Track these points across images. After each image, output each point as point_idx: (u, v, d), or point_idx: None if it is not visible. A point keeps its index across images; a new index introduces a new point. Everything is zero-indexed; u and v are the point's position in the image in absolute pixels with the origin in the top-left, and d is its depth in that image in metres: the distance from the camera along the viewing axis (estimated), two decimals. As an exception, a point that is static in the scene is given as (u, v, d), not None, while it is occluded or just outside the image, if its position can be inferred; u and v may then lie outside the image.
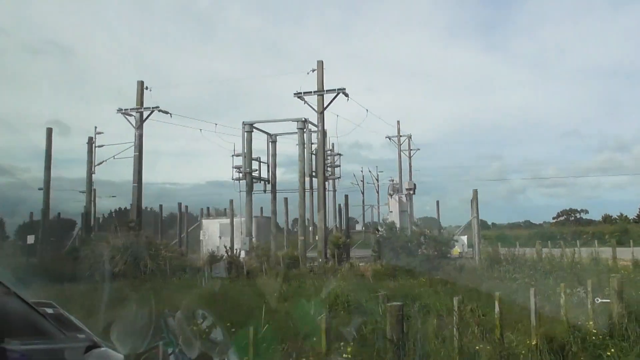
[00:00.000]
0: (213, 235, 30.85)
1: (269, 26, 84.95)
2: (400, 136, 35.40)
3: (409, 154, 41.43)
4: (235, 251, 21.76)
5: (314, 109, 23.25)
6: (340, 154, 32.09)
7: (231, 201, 28.78)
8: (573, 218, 79.68)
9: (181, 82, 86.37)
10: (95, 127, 28.81)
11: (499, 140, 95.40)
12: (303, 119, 25.21)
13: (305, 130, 25.62)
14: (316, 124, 24.09)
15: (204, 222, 31.67)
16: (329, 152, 30.97)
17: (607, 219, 67.69)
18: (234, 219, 28.31)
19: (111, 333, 1.71)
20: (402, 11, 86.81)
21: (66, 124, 72.16)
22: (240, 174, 28.18)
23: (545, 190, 73.92)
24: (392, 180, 27.41)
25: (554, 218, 75.97)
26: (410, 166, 34.47)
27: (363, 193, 41.34)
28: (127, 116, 25.14)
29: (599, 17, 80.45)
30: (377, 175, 39.76)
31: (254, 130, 28.81)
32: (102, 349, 1.52)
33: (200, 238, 31.48)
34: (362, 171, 43.60)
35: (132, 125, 25.18)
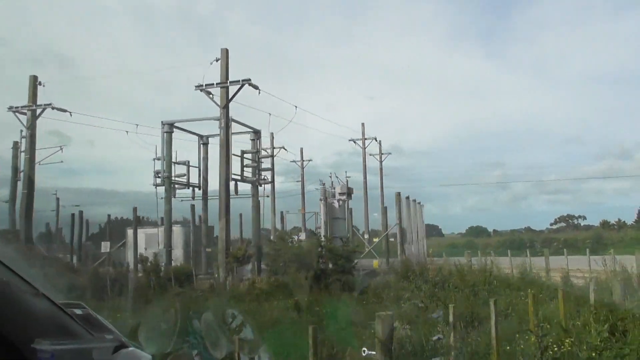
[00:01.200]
0: (140, 246, 28.28)
1: (270, 32, 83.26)
2: (365, 139, 34.23)
3: (380, 157, 39.18)
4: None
5: (217, 103, 20.37)
6: (272, 155, 29.22)
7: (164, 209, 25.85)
8: (571, 224, 77.15)
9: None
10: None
11: (500, 147, 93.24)
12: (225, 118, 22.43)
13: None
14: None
15: (128, 232, 28.99)
16: (265, 152, 28.38)
17: (605, 224, 65.64)
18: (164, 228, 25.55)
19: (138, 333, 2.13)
20: (403, 18, 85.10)
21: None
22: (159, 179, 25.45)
23: (548, 196, 71.54)
24: (324, 184, 24.17)
25: (551, 224, 74.09)
26: (381, 170, 32.82)
27: (304, 196, 37.67)
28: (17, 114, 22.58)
29: (599, 23, 77.92)
30: (331, 181, 37.00)
31: (183, 131, 26.36)
32: (130, 349, 1.50)
33: (126, 248, 29.00)
34: (331, 176, 40.37)
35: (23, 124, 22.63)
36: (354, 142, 37.70)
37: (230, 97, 20.24)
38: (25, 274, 1.31)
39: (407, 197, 22.92)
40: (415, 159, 77.19)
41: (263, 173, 26.25)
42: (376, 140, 37.49)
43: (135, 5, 78.72)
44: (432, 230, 57.00)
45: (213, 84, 20.30)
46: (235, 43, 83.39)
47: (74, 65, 62.97)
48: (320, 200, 24.23)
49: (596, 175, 74.36)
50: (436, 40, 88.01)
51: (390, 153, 38.78)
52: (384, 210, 19.22)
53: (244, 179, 25.03)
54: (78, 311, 1.44)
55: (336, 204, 23.82)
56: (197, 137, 28.32)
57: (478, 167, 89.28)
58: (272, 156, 30.10)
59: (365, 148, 37.93)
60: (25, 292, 1.28)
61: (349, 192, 24.89)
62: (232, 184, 23.89)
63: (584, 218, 74.80)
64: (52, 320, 1.33)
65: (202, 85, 20.39)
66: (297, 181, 39.09)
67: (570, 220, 76.81)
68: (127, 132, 24.69)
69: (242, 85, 20.11)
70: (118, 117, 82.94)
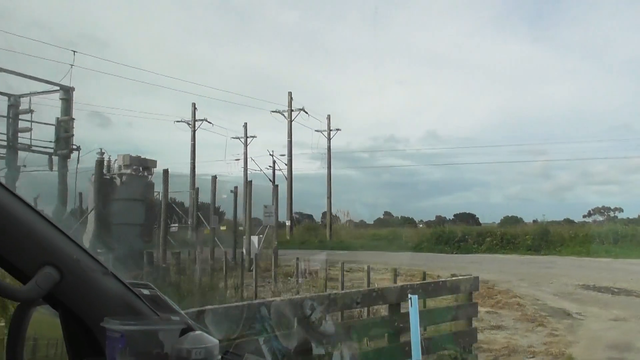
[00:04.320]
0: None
1: (305, 17, 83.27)
2: (331, 130, 36.66)
3: (328, 134, 38.82)
4: None
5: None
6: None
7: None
8: (606, 216, 74.86)
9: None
10: None
11: (545, 133, 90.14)
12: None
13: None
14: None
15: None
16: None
17: None
18: None
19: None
20: (446, 2, 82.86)
21: None
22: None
23: (594, 187, 68.79)
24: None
25: (584, 216, 72.01)
26: (329, 150, 33.45)
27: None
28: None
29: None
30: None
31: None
32: (197, 332, 1.43)
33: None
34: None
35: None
36: (320, 132, 38.64)
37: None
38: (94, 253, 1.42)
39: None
40: (455, 145, 76.24)
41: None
42: (329, 122, 38.06)
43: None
44: (469, 218, 56.60)
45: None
46: (272, 28, 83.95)
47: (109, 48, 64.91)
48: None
49: None
50: (480, 24, 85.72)
51: (339, 129, 38.90)
52: (275, 191, 18.83)
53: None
54: (146, 291, 1.45)
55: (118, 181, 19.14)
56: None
57: (520, 155, 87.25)
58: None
59: (330, 139, 38.88)
60: (95, 270, 1.33)
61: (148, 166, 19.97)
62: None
63: (621, 210, 72.35)
64: (121, 300, 1.35)
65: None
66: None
67: (605, 212, 74.49)
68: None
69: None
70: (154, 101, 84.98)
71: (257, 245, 19.07)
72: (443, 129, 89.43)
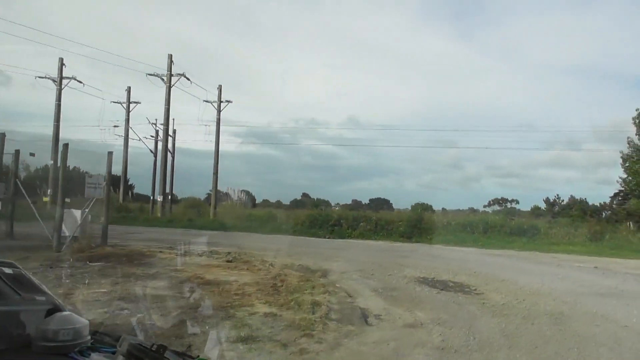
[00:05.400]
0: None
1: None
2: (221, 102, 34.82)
3: (219, 106, 37.82)
4: None
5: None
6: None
7: None
8: (503, 207, 79.14)
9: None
10: None
11: (458, 127, 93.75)
12: None
13: None
14: None
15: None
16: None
17: (535, 210, 67.42)
18: None
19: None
20: None
21: None
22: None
23: (499, 180, 72.22)
24: None
25: (484, 206, 75.76)
26: (218, 121, 31.81)
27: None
28: None
29: (565, 13, 77.71)
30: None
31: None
32: (66, 312, 1.38)
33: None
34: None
35: None
36: (210, 103, 36.31)
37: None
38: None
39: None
40: (373, 132, 76.81)
41: None
42: (219, 93, 35.87)
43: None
44: (383, 204, 57.22)
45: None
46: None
47: None
48: None
49: (546, 162, 76.38)
50: (407, 16, 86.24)
51: (230, 101, 36.93)
52: (109, 158, 16.65)
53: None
54: (8, 270, 1.37)
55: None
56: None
57: (434, 146, 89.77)
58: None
59: (220, 111, 36.89)
60: None
61: None
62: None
63: (517, 202, 76.89)
64: None
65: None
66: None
67: (503, 203, 78.72)
68: None
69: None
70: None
71: (79, 221, 16.11)
72: (364, 115, 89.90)
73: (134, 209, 36.05)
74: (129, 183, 44.42)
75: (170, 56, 31.07)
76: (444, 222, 25.61)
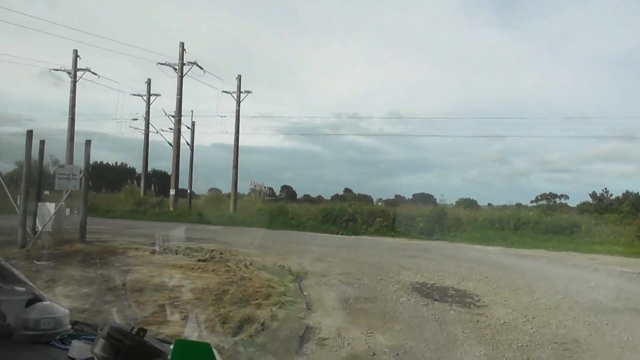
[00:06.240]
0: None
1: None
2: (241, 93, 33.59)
3: (238, 97, 35.70)
4: None
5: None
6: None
7: None
8: (552, 202, 74.39)
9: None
10: None
11: (504, 120, 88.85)
12: None
13: None
14: None
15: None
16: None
17: (581, 206, 62.96)
18: None
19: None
20: None
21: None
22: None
23: (549, 175, 67.85)
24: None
25: (531, 202, 71.53)
26: (238, 112, 29.91)
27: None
28: None
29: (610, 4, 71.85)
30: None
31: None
32: (46, 302, 1.39)
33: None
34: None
35: None
36: (230, 93, 34.52)
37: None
38: None
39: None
40: (416, 126, 73.81)
41: None
42: (239, 84, 34.38)
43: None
44: (427, 199, 54.94)
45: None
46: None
47: None
48: None
49: (599, 156, 70.69)
50: (450, 7, 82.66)
51: (250, 92, 35.22)
52: (87, 148, 14.91)
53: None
54: None
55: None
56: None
57: (480, 139, 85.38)
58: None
59: (239, 102, 35.20)
60: None
61: None
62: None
63: (567, 197, 72.00)
64: None
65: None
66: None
67: (551, 199, 73.92)
68: None
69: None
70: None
71: (51, 213, 14.90)
72: (406, 108, 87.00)
73: (155, 203, 35.34)
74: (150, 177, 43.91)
75: (182, 44, 29.84)
76: (470, 218, 23.00)
